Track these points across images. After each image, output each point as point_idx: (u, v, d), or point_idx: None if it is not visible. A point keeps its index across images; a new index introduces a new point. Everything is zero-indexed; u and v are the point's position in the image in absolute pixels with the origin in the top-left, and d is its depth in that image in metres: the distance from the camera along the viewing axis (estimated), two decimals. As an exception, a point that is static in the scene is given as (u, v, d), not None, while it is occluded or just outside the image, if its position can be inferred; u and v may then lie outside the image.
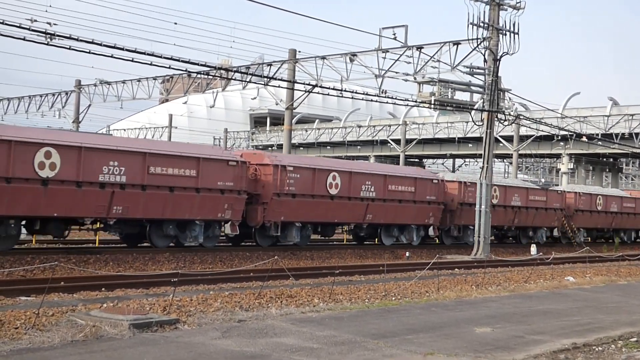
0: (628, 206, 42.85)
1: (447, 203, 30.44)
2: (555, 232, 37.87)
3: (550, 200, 36.48)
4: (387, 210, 28.06)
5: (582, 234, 39.65)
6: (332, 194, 25.92)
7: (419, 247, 29.58)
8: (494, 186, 31.70)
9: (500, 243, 35.73)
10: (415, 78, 31.03)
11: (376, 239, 30.47)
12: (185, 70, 25.14)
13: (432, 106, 31.53)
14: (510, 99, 31.52)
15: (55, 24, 24.58)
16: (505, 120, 29.75)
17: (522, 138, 51.13)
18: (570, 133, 46.15)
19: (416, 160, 72.46)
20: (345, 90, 27.30)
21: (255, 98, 61.40)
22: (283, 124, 38.15)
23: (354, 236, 30.50)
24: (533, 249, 29.43)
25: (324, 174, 25.76)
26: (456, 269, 22.06)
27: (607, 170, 67.55)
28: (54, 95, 49.61)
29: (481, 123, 28.29)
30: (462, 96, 34.29)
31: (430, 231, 30.34)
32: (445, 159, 75.38)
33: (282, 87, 32.59)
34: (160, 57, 20.66)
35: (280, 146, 62.50)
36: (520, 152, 52.91)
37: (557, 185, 49.87)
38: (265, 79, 30.32)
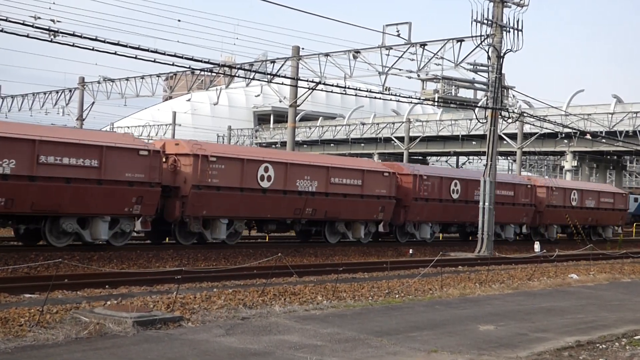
0: (504, 194, 32.83)
1: (180, 186, 21.48)
2: (381, 228, 27.88)
3: (372, 186, 26.76)
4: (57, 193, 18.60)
5: (430, 230, 29.96)
6: None
7: (422, 244, 29.45)
8: (264, 163, 23.22)
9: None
10: (418, 75, 30.93)
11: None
12: (189, 68, 25.25)
13: (436, 103, 31.44)
14: (514, 96, 31.36)
15: (58, 21, 24.62)
16: (509, 117, 29.68)
17: (526, 135, 51.12)
18: (574, 131, 46.08)
19: (420, 157, 72.55)
20: (348, 88, 27.26)
21: (258, 95, 61.50)
22: (287, 122, 38.21)
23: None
24: (536, 246, 29.40)
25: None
26: (460, 267, 22.05)
27: (611, 167, 67.48)
28: (57, 92, 49.70)
29: (485, 120, 28.26)
30: (465, 93, 34.27)
31: (138, 225, 20.94)
32: (449, 157, 75.44)
33: (285, 85, 32.55)
34: (164, 54, 20.68)
35: (283, 143, 62.54)
36: (524, 149, 52.93)
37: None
38: (269, 76, 30.34)
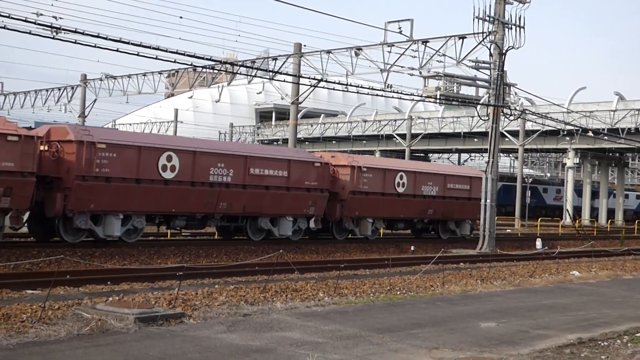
0: (271, 175, 23.88)
1: None
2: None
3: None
4: None
5: (117, 226, 20.47)
6: None
7: (424, 240, 29.43)
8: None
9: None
10: (420, 72, 30.91)
11: None
12: (191, 65, 25.18)
13: (438, 101, 31.43)
14: (516, 93, 31.36)
15: (61, 18, 24.63)
16: (511, 115, 29.67)
17: (528, 133, 51.07)
18: (576, 128, 46.06)
19: (422, 154, 72.54)
20: (350, 85, 27.25)
21: (260, 92, 61.45)
22: (288, 119, 38.23)
23: None
24: (538, 243, 29.43)
25: None
26: (461, 263, 22.05)
27: (613, 165, 67.41)
28: (60, 89, 49.72)
29: (487, 118, 28.24)
30: (467, 91, 34.30)
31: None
32: (451, 154, 75.39)
33: (287, 82, 32.53)
34: (166, 51, 20.65)
35: (285, 141, 62.52)
36: (525, 146, 52.86)
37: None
38: (271, 74, 30.32)
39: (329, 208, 26.06)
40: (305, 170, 24.87)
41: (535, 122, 46.18)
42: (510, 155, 75.67)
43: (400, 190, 28.14)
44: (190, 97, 71.15)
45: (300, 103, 34.52)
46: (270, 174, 23.78)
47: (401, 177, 28.21)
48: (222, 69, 30.34)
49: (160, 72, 42.74)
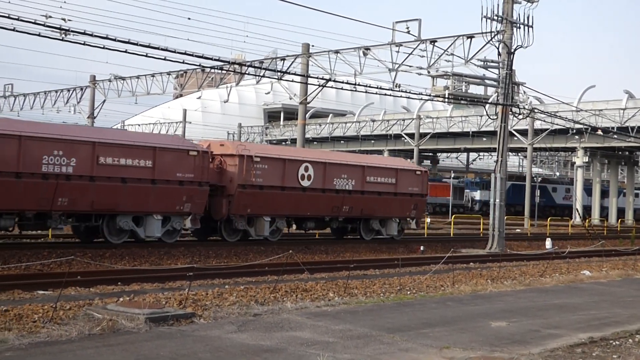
0: (128, 165, 20.11)
1: None
2: None
3: None
4: None
5: None
6: None
7: (430, 242, 29.43)
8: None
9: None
10: (429, 72, 30.91)
11: None
12: (199, 65, 25.28)
13: (446, 100, 31.44)
14: (524, 92, 31.37)
15: (69, 20, 24.75)
16: (519, 114, 29.59)
17: (537, 132, 50.97)
18: (585, 126, 45.94)
19: (430, 154, 72.48)
20: (358, 85, 27.25)
21: (268, 93, 61.57)
22: (297, 119, 38.28)
23: None
24: (548, 242, 29.34)
25: None
26: (471, 263, 22.03)
27: (623, 163, 67.15)
28: (69, 90, 49.94)
29: (495, 117, 28.18)
30: (476, 90, 34.25)
31: None
32: (459, 153, 75.28)
33: (295, 82, 32.52)
34: (174, 52, 20.71)
35: (294, 140, 62.57)
36: (534, 145, 52.75)
37: None
38: (279, 74, 30.34)
39: (214, 205, 22.49)
40: (177, 160, 21.00)
41: (544, 121, 46.06)
42: (519, 154, 75.51)
43: (306, 183, 24.32)
44: (199, 98, 71.39)
45: (308, 103, 34.54)
46: (129, 164, 19.97)
47: (306, 169, 24.35)
48: (230, 69, 30.39)
49: (168, 73, 42.86)
